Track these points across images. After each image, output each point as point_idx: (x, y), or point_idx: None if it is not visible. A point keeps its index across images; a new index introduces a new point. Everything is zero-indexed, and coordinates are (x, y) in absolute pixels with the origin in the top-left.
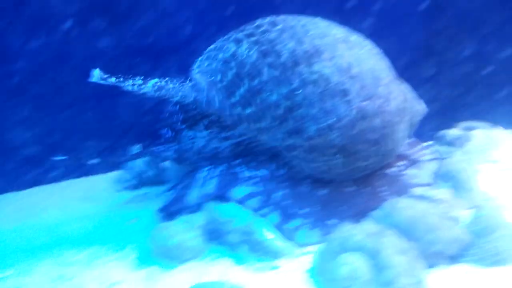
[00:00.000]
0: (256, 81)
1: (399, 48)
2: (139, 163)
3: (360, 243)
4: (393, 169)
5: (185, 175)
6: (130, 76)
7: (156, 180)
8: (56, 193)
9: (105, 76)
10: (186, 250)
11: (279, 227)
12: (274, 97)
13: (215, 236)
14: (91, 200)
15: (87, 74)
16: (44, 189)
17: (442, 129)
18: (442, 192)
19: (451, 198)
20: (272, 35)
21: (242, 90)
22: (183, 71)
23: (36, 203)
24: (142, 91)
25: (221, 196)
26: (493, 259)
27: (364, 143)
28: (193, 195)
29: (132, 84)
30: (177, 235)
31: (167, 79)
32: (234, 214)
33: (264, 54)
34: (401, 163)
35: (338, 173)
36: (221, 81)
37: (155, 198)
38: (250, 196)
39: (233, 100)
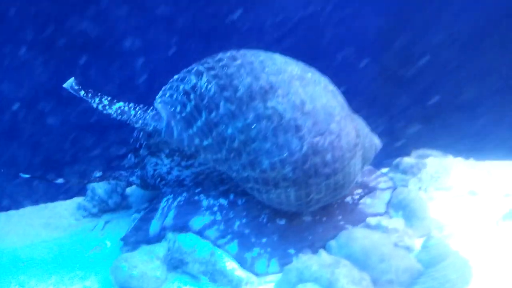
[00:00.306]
0: (213, 114)
1: (355, 80)
2: (100, 191)
3: (316, 274)
4: (349, 199)
5: (147, 204)
6: (99, 94)
7: (117, 208)
8: (18, 220)
9: (76, 87)
10: (148, 281)
11: (238, 257)
12: (229, 131)
13: (177, 266)
14: (53, 228)
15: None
16: (5, 215)
17: (398, 157)
18: (395, 222)
19: (404, 227)
20: (231, 69)
21: (199, 122)
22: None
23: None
24: (105, 112)
25: (180, 227)
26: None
27: (316, 177)
28: (154, 226)
29: (98, 103)
30: (138, 266)
31: (131, 104)
32: (194, 245)
33: (222, 88)
34: (357, 191)
35: (293, 205)
36: (180, 112)
37: (116, 226)
38: (209, 226)
39: (191, 131)
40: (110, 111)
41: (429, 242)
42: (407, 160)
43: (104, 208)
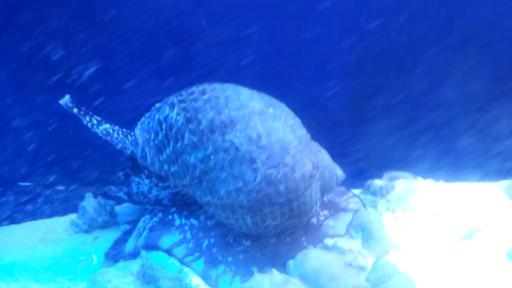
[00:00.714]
0: (179, 144)
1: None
2: (89, 210)
3: None
4: (315, 220)
5: (135, 218)
6: (90, 113)
7: (106, 225)
8: (18, 233)
9: (71, 104)
10: None
11: (203, 274)
12: (192, 160)
13: (149, 281)
14: (48, 242)
15: None
16: (7, 229)
17: (372, 178)
18: (351, 243)
19: (359, 248)
20: (198, 103)
21: (168, 150)
22: None
23: None
24: (93, 130)
25: (151, 245)
26: None
27: (270, 206)
28: (130, 244)
29: (88, 121)
30: (112, 280)
31: (116, 127)
32: (164, 262)
33: (188, 120)
34: (324, 213)
35: (252, 229)
36: (153, 140)
37: (105, 241)
38: (177, 244)
39: (161, 158)
40: (97, 130)
41: (378, 263)
42: (377, 182)
43: (93, 225)
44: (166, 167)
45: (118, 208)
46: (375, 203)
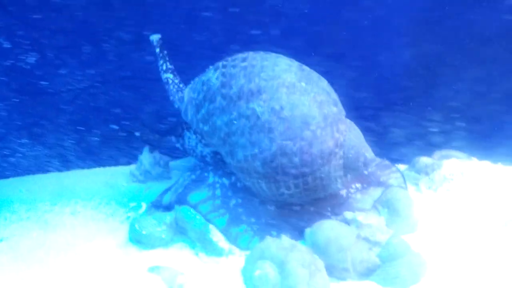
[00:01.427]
0: (211, 106)
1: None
2: (145, 163)
3: (273, 255)
4: (344, 192)
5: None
6: (167, 59)
7: (159, 177)
8: (88, 177)
9: (156, 43)
10: (154, 240)
11: (224, 231)
12: (219, 122)
13: (180, 232)
14: (109, 186)
15: None
16: (80, 172)
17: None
18: (372, 218)
19: (380, 224)
20: (236, 70)
21: (203, 110)
22: None
23: (70, 184)
24: (160, 73)
25: (181, 200)
26: (393, 281)
27: (284, 175)
28: (167, 197)
29: (161, 64)
30: (147, 227)
31: (177, 80)
32: (193, 217)
33: (222, 85)
34: (357, 185)
35: (268, 195)
36: (195, 99)
37: (156, 192)
38: (204, 201)
39: (199, 116)
40: (162, 75)
41: (391, 240)
42: (423, 160)
43: (148, 177)
44: (201, 125)
45: (173, 163)
46: (418, 181)
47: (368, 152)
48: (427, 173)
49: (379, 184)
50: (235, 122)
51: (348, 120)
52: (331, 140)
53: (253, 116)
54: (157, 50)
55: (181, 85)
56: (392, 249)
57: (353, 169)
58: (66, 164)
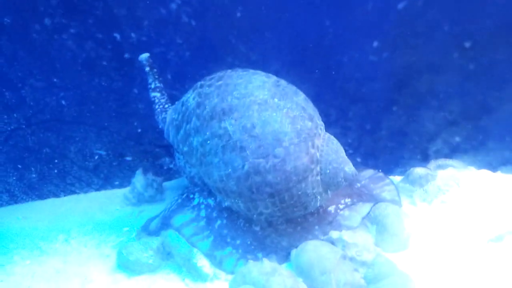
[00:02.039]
0: (188, 126)
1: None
2: (138, 185)
3: (255, 279)
4: (333, 208)
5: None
6: (157, 77)
7: (152, 200)
8: (82, 202)
9: (146, 62)
10: (141, 266)
11: (209, 254)
12: (195, 143)
13: (166, 257)
14: (103, 211)
15: None
16: (76, 197)
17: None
18: (359, 236)
19: (366, 242)
20: (210, 89)
21: (182, 131)
22: None
23: (64, 210)
24: (149, 92)
25: (166, 224)
26: None
27: (259, 194)
28: (154, 222)
29: (150, 82)
30: (134, 253)
31: (163, 100)
32: (178, 241)
33: (197, 105)
34: (347, 200)
35: (247, 214)
36: (176, 119)
37: (148, 215)
38: (187, 223)
39: (179, 137)
40: (150, 93)
41: (376, 260)
42: (418, 171)
43: (141, 199)
44: (181, 146)
45: (167, 184)
46: (412, 193)
47: (348, 167)
48: (421, 185)
49: (372, 197)
50: (208, 142)
51: (327, 135)
52: (305, 156)
53: (225, 135)
54: (147, 69)
55: (166, 106)
56: (377, 269)
57: (333, 185)
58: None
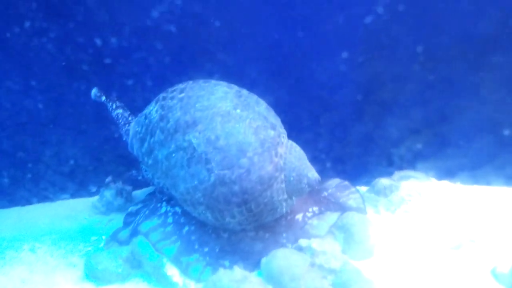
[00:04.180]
0: (152, 140)
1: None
2: (107, 194)
3: (225, 287)
4: (301, 216)
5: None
6: (115, 98)
7: (121, 209)
8: (50, 210)
9: (99, 94)
10: (110, 275)
11: (175, 260)
12: (159, 156)
13: (136, 266)
14: (71, 219)
15: None
16: (43, 205)
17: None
18: (327, 244)
19: (334, 250)
20: (173, 102)
21: (146, 144)
22: None
23: (31, 218)
24: (112, 114)
25: (134, 230)
26: None
27: (226, 205)
28: (124, 231)
29: (110, 105)
30: (103, 262)
31: (126, 115)
32: (148, 250)
33: (161, 118)
34: (315, 209)
35: (215, 224)
36: (139, 132)
37: (117, 224)
38: (154, 228)
39: (143, 150)
40: (112, 114)
41: (344, 267)
42: (383, 181)
43: (110, 208)
44: (146, 159)
45: (138, 193)
46: (377, 203)
47: (311, 173)
48: (386, 195)
49: (339, 205)
50: (173, 155)
51: (289, 142)
52: (269, 165)
53: (189, 148)
54: (103, 98)
55: (130, 118)
56: (344, 276)
57: (297, 191)
58: None
